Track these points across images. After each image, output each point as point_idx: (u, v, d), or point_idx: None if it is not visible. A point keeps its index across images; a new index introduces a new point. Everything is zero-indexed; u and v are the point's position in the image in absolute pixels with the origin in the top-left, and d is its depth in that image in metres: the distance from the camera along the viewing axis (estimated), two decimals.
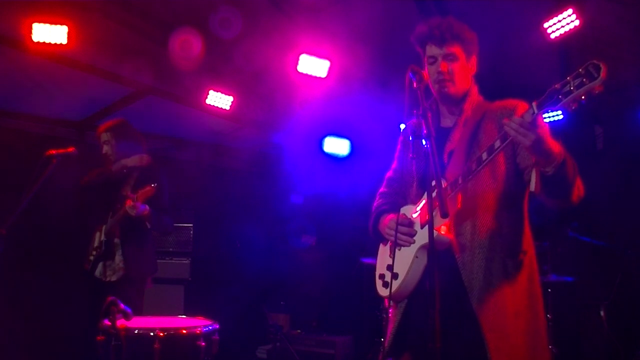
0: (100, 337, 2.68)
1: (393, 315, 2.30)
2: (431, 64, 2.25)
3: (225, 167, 7.28)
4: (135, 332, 2.66)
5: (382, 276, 2.36)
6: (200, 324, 2.87)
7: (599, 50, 4.61)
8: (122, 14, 4.34)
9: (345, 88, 5.32)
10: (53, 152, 3.40)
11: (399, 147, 2.56)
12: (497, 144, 1.96)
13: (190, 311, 4.72)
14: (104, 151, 3.93)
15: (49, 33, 4.12)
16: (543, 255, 4.39)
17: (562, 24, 4.02)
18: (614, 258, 4.78)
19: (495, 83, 3.19)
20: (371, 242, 2.59)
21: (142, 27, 4.50)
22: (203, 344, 2.74)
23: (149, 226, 3.75)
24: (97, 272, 3.76)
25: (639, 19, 4.22)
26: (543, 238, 4.48)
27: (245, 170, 7.39)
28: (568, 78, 1.71)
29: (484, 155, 2.00)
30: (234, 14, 4.31)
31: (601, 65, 1.64)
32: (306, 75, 4.85)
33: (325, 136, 6.56)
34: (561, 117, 5.19)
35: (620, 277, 4.70)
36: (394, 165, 2.57)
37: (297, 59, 4.76)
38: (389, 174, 2.59)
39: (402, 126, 3.12)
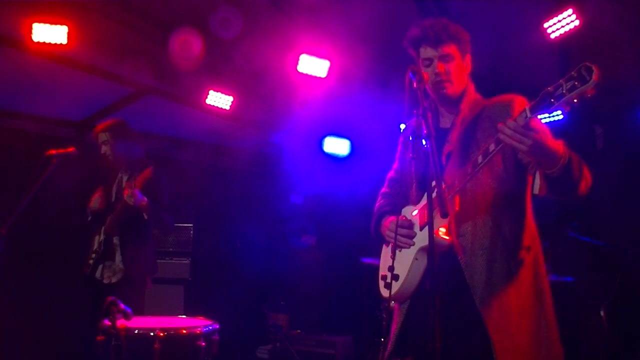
0: (100, 337, 2.68)
1: (396, 316, 2.30)
2: (427, 66, 2.23)
3: (225, 167, 7.27)
4: (135, 332, 2.67)
5: (384, 277, 2.35)
6: (200, 324, 2.87)
7: (599, 50, 4.61)
8: (122, 14, 4.34)
9: (345, 88, 5.32)
10: (53, 152, 3.41)
11: (399, 147, 2.55)
12: (492, 147, 1.93)
13: (190, 311, 4.71)
14: (102, 151, 3.93)
15: (49, 33, 4.12)
16: (543, 255, 4.37)
17: (562, 24, 4.00)
18: (614, 258, 4.77)
19: (495, 83, 3.19)
20: (371, 242, 2.59)
21: (142, 27, 4.50)
22: (203, 344, 2.74)
23: (145, 217, 3.72)
24: (97, 274, 3.76)
25: (639, 19, 4.22)
26: (543, 238, 4.45)
27: (245, 170, 7.38)
28: (561, 81, 1.68)
29: (480, 159, 1.98)
30: (234, 14, 4.31)
31: (594, 68, 1.61)
32: (306, 75, 4.85)
33: (325, 136, 6.55)
34: (561, 117, 5.17)
35: (620, 277, 4.68)
36: (395, 165, 2.56)
37: (297, 59, 4.75)
38: (390, 174, 2.58)
39: (402, 126, 3.12)
